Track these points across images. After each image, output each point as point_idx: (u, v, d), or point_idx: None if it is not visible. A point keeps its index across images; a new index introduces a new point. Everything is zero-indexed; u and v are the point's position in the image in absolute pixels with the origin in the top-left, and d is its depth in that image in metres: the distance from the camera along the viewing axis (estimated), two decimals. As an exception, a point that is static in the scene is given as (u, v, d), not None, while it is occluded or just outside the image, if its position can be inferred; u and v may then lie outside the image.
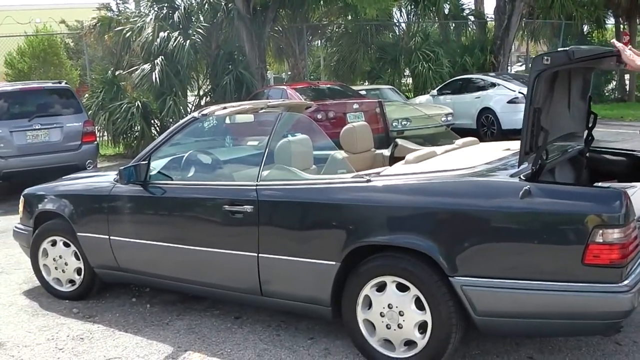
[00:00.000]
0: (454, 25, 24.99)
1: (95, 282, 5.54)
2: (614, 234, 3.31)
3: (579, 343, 4.26)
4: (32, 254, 5.75)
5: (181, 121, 5.15)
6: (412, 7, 22.58)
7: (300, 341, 4.53)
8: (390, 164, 4.93)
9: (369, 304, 4.00)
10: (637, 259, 3.58)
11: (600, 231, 3.31)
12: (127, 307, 5.41)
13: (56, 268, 5.64)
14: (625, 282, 3.36)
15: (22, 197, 5.99)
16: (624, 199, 3.35)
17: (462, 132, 7.03)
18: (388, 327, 3.92)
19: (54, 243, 5.61)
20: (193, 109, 16.06)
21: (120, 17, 18.07)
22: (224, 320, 5.00)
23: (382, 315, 3.93)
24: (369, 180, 4.03)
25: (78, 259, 5.51)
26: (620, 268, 3.34)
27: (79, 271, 5.55)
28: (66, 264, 5.57)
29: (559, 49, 3.73)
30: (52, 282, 5.71)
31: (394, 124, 12.92)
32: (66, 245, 5.54)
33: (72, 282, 5.62)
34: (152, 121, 16.43)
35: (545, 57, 3.59)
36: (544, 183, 3.66)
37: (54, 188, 5.83)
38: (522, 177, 3.65)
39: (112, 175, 5.34)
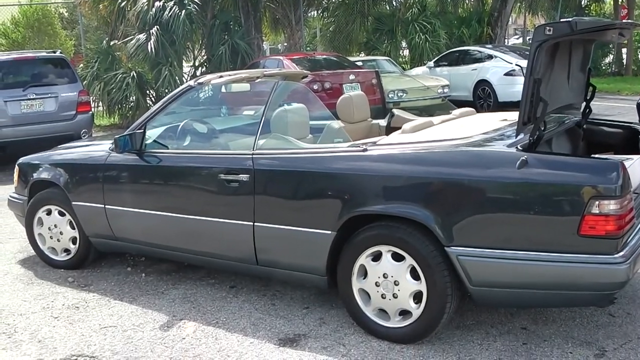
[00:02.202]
0: (451, -4, 24.84)
1: (90, 251, 5.53)
2: (610, 205, 3.30)
3: (573, 314, 4.28)
4: (27, 223, 5.74)
5: (177, 90, 5.12)
6: (410, -23, 22.44)
7: (296, 310, 4.54)
8: (387, 134, 4.91)
9: (364, 273, 4.01)
10: (633, 231, 3.59)
11: (597, 202, 3.30)
12: (123, 276, 5.42)
13: (51, 237, 5.64)
14: (621, 253, 3.36)
15: (16, 166, 5.96)
16: (620, 170, 3.34)
17: (459, 104, 7.03)
18: (383, 296, 3.93)
19: (49, 212, 5.60)
20: (188, 79, 15.97)
21: (115, -14, 17.91)
22: (219, 289, 5.01)
23: (377, 284, 3.93)
24: (365, 150, 4.01)
25: (73, 228, 5.50)
26: (616, 239, 3.34)
27: (74, 240, 5.54)
28: (61, 233, 5.56)
29: (561, 20, 3.69)
30: (47, 251, 5.71)
31: (390, 95, 12.89)
32: (61, 214, 5.53)
33: (67, 251, 5.62)
34: (148, 91, 16.36)
35: (548, 28, 3.55)
36: (541, 154, 3.65)
37: (49, 157, 5.79)
38: (519, 147, 3.63)
39: (107, 144, 5.31)
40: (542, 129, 3.76)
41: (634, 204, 3.58)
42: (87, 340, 4.25)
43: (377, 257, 3.94)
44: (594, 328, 4.09)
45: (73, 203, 5.34)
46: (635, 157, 4.33)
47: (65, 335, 4.35)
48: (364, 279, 4.01)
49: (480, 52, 16.84)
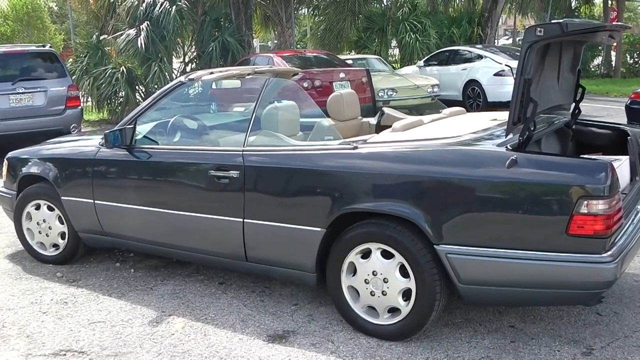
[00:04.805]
0: (442, -4, 24.93)
1: (79, 247, 5.52)
2: (599, 205, 3.32)
3: (561, 313, 4.31)
4: (16, 218, 5.72)
5: (168, 85, 5.11)
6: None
7: (284, 307, 4.55)
8: (377, 132, 4.92)
9: (353, 270, 4.02)
10: (621, 230, 3.62)
11: (585, 202, 3.32)
12: (111, 272, 5.41)
13: (40, 232, 5.62)
14: (609, 252, 3.38)
15: (5, 160, 5.92)
16: (609, 171, 3.36)
17: (448, 103, 7.03)
18: (372, 294, 3.94)
19: (37, 207, 5.57)
20: (178, 75, 15.94)
21: (105, -19, 17.86)
22: (208, 285, 5.01)
23: (366, 282, 3.94)
24: (355, 147, 4.02)
25: (62, 223, 5.48)
26: (604, 239, 3.36)
27: (62, 235, 5.53)
28: (50, 228, 5.54)
29: (552, 21, 3.71)
30: (35, 246, 5.69)
31: (379, 94, 12.93)
32: (50, 209, 5.51)
33: (55, 246, 5.60)
34: (137, 87, 16.32)
35: (539, 29, 3.58)
36: (531, 153, 3.67)
37: (38, 151, 5.77)
38: (508, 147, 3.65)
39: (97, 139, 5.30)
40: (532, 129, 3.79)
41: (623, 204, 3.61)
42: (76, 336, 4.24)
43: (366, 254, 3.95)
44: (582, 326, 4.12)
45: (62, 198, 5.32)
46: (623, 157, 4.37)
47: (54, 330, 4.34)
48: (353, 276, 4.02)
49: (470, 52, 16.90)
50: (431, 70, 17.16)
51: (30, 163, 5.66)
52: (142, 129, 5.13)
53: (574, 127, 4.96)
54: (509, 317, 4.26)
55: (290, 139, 4.62)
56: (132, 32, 15.67)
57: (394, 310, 3.94)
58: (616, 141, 4.82)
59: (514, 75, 3.73)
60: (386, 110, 5.81)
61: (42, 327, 4.39)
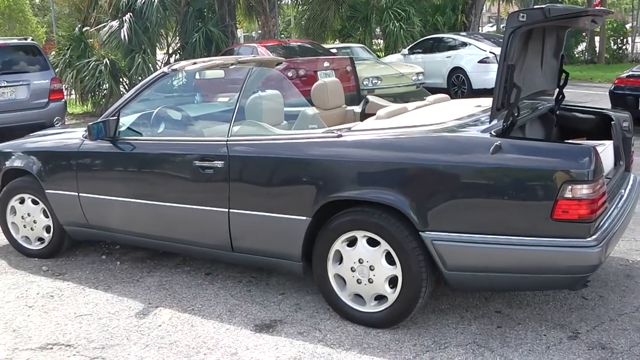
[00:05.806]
0: (425, -16, 24.88)
1: (64, 240, 5.49)
2: (583, 190, 3.33)
3: (547, 297, 4.33)
4: (0, 213, 5.68)
5: (151, 76, 5.08)
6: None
7: (271, 297, 4.55)
8: (362, 120, 4.92)
9: (339, 259, 4.02)
10: (605, 215, 3.63)
11: (570, 187, 3.33)
12: (97, 265, 5.39)
13: (25, 226, 5.58)
14: (594, 237, 3.40)
15: (-12, 154, 5.88)
16: (593, 156, 3.37)
17: (433, 91, 7.05)
18: (359, 281, 3.94)
19: (22, 201, 5.54)
20: (162, 66, 15.86)
21: (87, -28, 17.72)
22: (194, 276, 5.01)
23: (352, 270, 3.95)
24: (340, 136, 4.02)
25: (47, 216, 5.45)
26: (588, 223, 3.38)
27: (47, 229, 5.50)
28: (35, 221, 5.51)
29: (535, 6, 3.71)
30: (20, 240, 5.65)
31: (364, 82, 12.90)
32: (35, 202, 5.47)
33: (41, 240, 5.57)
34: (121, 79, 16.23)
35: (521, 14, 3.58)
36: (515, 139, 3.67)
37: (22, 145, 5.73)
38: (493, 132, 3.65)
39: (80, 131, 5.27)
40: (516, 114, 3.79)
41: (607, 189, 3.63)
42: (63, 329, 4.22)
43: (352, 242, 3.95)
44: (567, 311, 4.14)
45: (46, 191, 5.29)
46: (607, 142, 4.39)
47: (40, 324, 4.32)
48: (339, 264, 4.02)
49: (454, 39, 16.92)
50: (415, 58, 17.16)
51: (13, 157, 5.62)
52: (126, 120, 5.10)
53: (557, 112, 4.97)
54: (495, 303, 4.28)
55: (275, 128, 4.60)
56: (115, 23, 15.59)
57: (380, 298, 3.94)
58: (600, 126, 4.83)
59: (498, 61, 3.73)
60: (370, 98, 5.80)
61: (28, 321, 4.37)
